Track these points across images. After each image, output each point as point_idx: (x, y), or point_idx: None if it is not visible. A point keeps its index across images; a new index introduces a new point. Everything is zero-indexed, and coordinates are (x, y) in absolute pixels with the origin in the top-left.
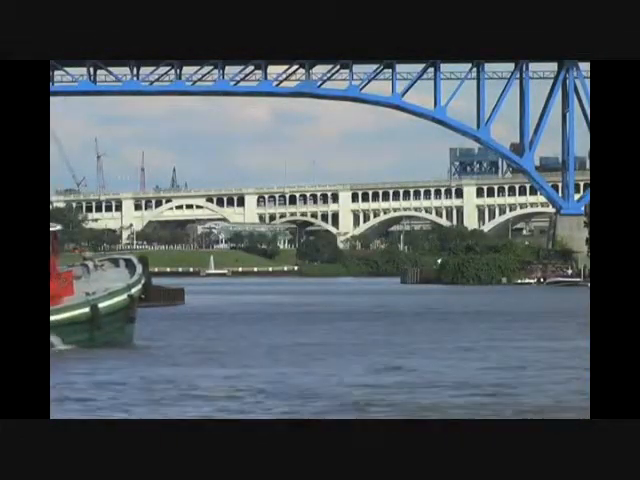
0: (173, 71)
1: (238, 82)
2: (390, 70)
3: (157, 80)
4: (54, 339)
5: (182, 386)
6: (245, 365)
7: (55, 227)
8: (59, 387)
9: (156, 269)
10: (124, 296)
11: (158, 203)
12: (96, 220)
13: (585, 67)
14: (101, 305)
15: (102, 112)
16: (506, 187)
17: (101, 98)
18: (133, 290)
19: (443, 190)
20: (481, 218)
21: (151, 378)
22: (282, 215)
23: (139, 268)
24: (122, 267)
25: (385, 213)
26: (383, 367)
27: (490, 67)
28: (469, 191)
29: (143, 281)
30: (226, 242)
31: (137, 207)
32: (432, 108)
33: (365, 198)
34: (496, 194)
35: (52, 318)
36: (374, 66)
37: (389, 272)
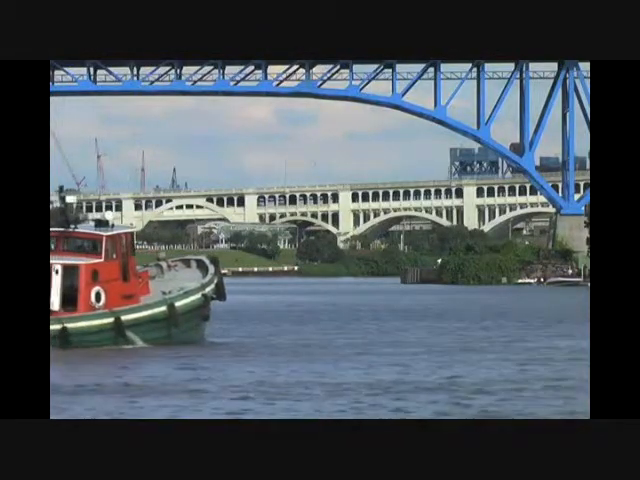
0: (173, 71)
1: (238, 82)
2: (390, 70)
3: (157, 80)
4: (134, 337)
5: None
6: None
7: (132, 228)
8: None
9: None
10: (198, 295)
11: (158, 203)
12: None
13: (585, 67)
14: (177, 304)
15: (102, 112)
16: (506, 187)
17: (101, 98)
18: (207, 289)
19: (443, 190)
20: (481, 218)
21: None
22: (282, 215)
23: (211, 268)
24: (194, 267)
25: (385, 213)
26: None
27: (490, 67)
28: (469, 191)
29: (216, 281)
30: (226, 242)
31: (137, 207)
32: (432, 108)
33: (365, 198)
34: (496, 194)
35: (131, 316)
36: (374, 66)
37: (389, 272)
